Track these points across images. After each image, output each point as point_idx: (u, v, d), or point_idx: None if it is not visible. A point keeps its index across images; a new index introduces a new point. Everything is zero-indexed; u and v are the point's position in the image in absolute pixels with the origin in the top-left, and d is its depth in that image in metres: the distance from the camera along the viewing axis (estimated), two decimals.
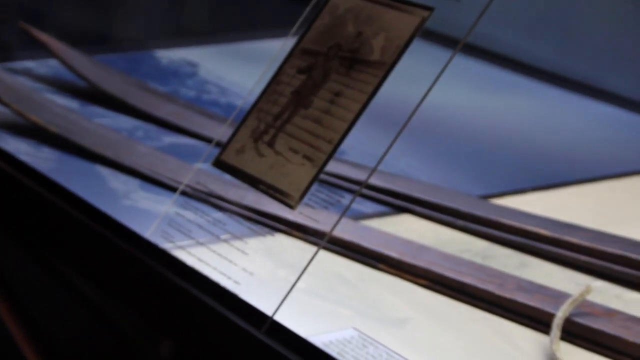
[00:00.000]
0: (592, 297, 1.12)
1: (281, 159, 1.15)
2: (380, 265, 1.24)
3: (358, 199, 1.41)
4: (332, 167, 1.43)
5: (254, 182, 1.17)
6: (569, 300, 1.10)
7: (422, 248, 1.27)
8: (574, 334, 1.08)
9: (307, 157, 1.13)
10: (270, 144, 1.17)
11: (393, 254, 1.24)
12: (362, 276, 1.22)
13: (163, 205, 1.31)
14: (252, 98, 1.23)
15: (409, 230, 1.34)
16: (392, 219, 1.39)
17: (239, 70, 1.91)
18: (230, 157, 1.21)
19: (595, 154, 1.66)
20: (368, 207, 1.41)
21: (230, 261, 1.15)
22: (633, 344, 1.05)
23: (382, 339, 1.07)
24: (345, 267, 1.24)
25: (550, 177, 1.54)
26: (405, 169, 1.54)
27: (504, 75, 1.99)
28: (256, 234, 1.27)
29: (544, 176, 1.54)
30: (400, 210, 1.41)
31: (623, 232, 1.30)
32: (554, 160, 1.62)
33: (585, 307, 1.11)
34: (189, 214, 1.26)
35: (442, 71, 1.09)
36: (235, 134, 1.22)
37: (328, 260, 1.25)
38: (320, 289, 1.18)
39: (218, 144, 1.25)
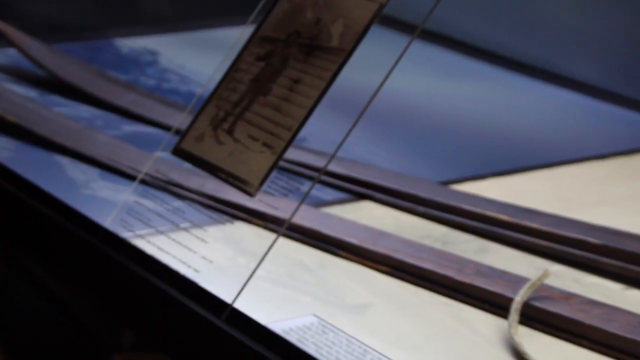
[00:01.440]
0: (551, 281, 1.13)
1: (240, 146, 1.15)
2: (341, 252, 1.24)
3: (318, 186, 1.41)
4: (292, 154, 1.43)
5: (213, 170, 1.16)
6: (528, 285, 1.10)
7: (382, 234, 1.27)
8: (533, 317, 1.09)
9: (266, 145, 1.13)
10: (230, 132, 1.17)
11: (353, 240, 1.25)
12: (322, 263, 1.22)
13: (123, 194, 1.31)
14: (212, 86, 1.22)
15: (369, 217, 1.34)
16: (352, 205, 1.39)
17: (199, 58, 1.91)
18: (189, 145, 1.21)
19: (555, 139, 1.66)
20: (328, 194, 1.41)
21: (190, 249, 1.15)
22: (590, 327, 1.06)
23: (342, 325, 1.07)
24: (305, 254, 1.24)
25: (510, 163, 1.54)
26: (365, 155, 1.55)
27: (464, 61, 1.99)
28: (216, 222, 1.27)
29: (504, 162, 1.55)
30: (360, 196, 1.41)
31: (582, 217, 1.31)
32: (514, 146, 1.63)
33: (544, 291, 1.11)
34: (148, 203, 1.26)
35: (400, 57, 1.09)
36: (194, 121, 1.22)
37: (288, 247, 1.25)
38: (280, 276, 1.18)
39: (177, 132, 1.24)
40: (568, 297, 1.11)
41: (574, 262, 1.23)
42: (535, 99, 1.85)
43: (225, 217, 1.30)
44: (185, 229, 1.20)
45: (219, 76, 1.22)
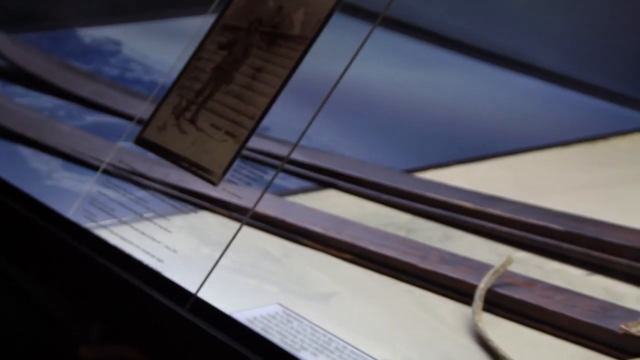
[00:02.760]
0: (514, 268, 1.13)
1: (203, 135, 1.15)
2: (305, 241, 1.24)
3: (282, 175, 1.41)
4: (256, 143, 1.43)
5: (176, 160, 1.16)
6: (491, 272, 1.11)
7: (346, 223, 1.27)
8: (496, 304, 1.09)
9: (229, 133, 1.13)
10: (192, 121, 1.17)
11: (317, 229, 1.24)
12: (287, 252, 1.22)
13: (86, 184, 1.30)
14: (175, 75, 1.22)
15: (334, 205, 1.34)
16: (317, 194, 1.39)
17: (162, 47, 1.90)
18: (152, 135, 1.20)
19: (519, 126, 1.67)
20: (292, 182, 1.41)
21: (154, 239, 1.15)
22: (553, 313, 1.06)
23: (306, 313, 1.07)
24: (269, 243, 1.24)
25: (474, 151, 1.55)
26: (329, 144, 1.55)
27: (428, 49, 1.99)
28: (179, 211, 1.27)
29: (468, 149, 1.55)
30: (324, 185, 1.41)
31: (545, 203, 1.31)
32: (478, 134, 1.63)
33: (507, 277, 1.12)
34: (111, 193, 1.25)
35: (362, 45, 1.09)
36: (157, 111, 1.21)
37: (252, 236, 1.25)
38: (244, 265, 1.18)
39: (140, 122, 1.24)
40: (531, 283, 1.12)
41: (537, 248, 1.23)
42: (499, 86, 1.85)
43: (189, 207, 1.29)
44: (148, 219, 1.19)
45: (181, 65, 1.22)
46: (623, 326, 1.01)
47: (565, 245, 1.22)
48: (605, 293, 1.13)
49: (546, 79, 1.84)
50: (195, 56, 1.21)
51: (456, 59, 1.95)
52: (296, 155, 1.42)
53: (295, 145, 1.12)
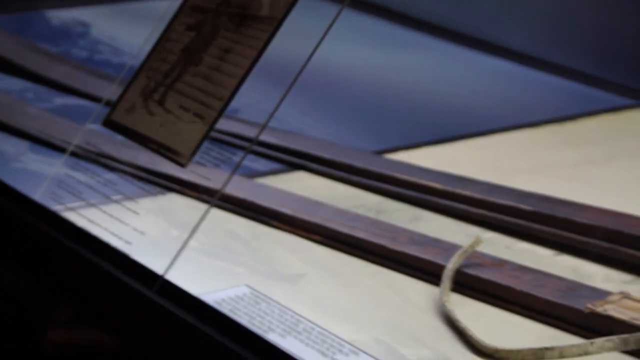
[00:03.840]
0: (483, 248, 1.14)
1: (171, 117, 1.14)
2: (274, 222, 1.24)
3: (252, 156, 1.40)
4: (225, 125, 1.42)
5: (145, 141, 1.16)
6: (460, 252, 1.11)
7: (316, 204, 1.27)
8: (465, 284, 1.09)
9: (197, 115, 1.12)
10: (161, 102, 1.16)
11: (287, 210, 1.24)
12: (256, 233, 1.22)
13: (54, 167, 1.29)
14: (143, 57, 1.21)
15: (303, 187, 1.34)
16: (286, 176, 1.39)
17: (131, 29, 1.89)
18: (120, 117, 1.20)
19: (488, 107, 1.67)
20: (262, 164, 1.40)
21: (122, 221, 1.14)
22: (521, 293, 1.06)
23: (275, 295, 1.07)
24: (239, 225, 1.24)
25: (443, 132, 1.55)
26: (299, 126, 1.54)
27: (397, 30, 1.99)
28: (148, 193, 1.26)
29: (437, 131, 1.55)
30: (294, 167, 1.41)
31: (514, 184, 1.32)
32: (448, 115, 1.63)
33: (476, 258, 1.12)
34: (79, 175, 1.25)
35: (330, 26, 1.08)
36: (125, 93, 1.21)
37: (222, 218, 1.24)
38: (213, 247, 1.18)
39: (108, 104, 1.23)
40: (499, 263, 1.12)
41: (506, 229, 1.24)
42: (468, 67, 1.85)
43: (157, 189, 1.29)
44: (116, 201, 1.19)
45: (149, 47, 1.21)
46: (590, 305, 1.02)
47: (534, 225, 1.22)
48: (573, 273, 1.14)
49: (515, 60, 1.84)
50: (164, 38, 1.21)
51: (425, 41, 1.95)
52: (265, 137, 1.41)
53: (263, 127, 1.11)
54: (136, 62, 1.22)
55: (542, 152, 1.49)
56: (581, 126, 1.60)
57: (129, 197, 1.20)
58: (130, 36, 1.86)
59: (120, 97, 1.20)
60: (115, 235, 1.12)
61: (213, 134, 1.16)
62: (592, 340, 0.96)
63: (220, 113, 1.11)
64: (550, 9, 1.87)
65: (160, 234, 1.19)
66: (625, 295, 1.04)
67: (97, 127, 1.24)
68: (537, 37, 1.87)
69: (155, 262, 1.08)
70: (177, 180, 1.29)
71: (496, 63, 1.85)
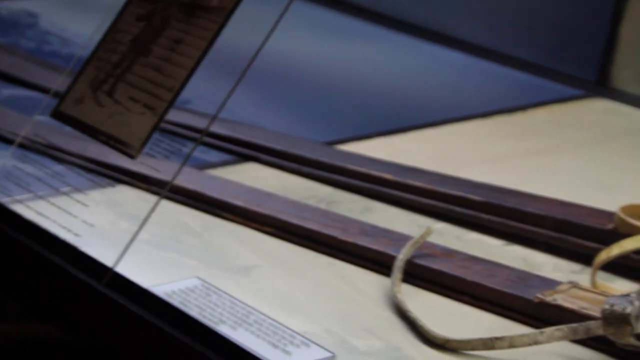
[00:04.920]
0: (434, 239, 1.14)
1: (121, 108, 1.14)
2: (225, 214, 1.23)
3: (202, 148, 1.40)
4: (176, 116, 1.42)
5: (94, 133, 1.15)
6: (410, 243, 1.11)
7: (267, 196, 1.27)
8: (415, 275, 1.10)
9: (147, 106, 1.12)
10: (110, 94, 1.15)
11: (238, 202, 1.24)
12: (207, 225, 1.22)
13: (1, 159, 1.28)
14: (92, 47, 1.20)
15: (254, 179, 1.34)
16: (237, 167, 1.38)
17: (80, 20, 1.87)
18: (68, 108, 1.19)
19: (438, 98, 1.68)
20: (213, 156, 1.40)
21: (71, 214, 1.14)
22: (472, 283, 1.07)
23: (226, 287, 1.07)
24: (189, 217, 1.23)
25: (394, 122, 1.55)
26: (250, 117, 1.54)
27: (348, 21, 1.99)
28: (97, 185, 1.26)
29: (388, 121, 1.56)
30: (245, 158, 1.40)
31: (464, 174, 1.32)
32: (399, 106, 1.64)
33: (426, 248, 1.12)
34: (27, 167, 1.24)
35: (281, 16, 1.08)
36: (74, 84, 1.20)
37: (172, 210, 1.24)
38: (164, 240, 1.17)
39: (57, 95, 1.22)
40: (450, 254, 1.13)
41: (456, 219, 1.24)
42: (418, 58, 1.86)
43: (107, 181, 1.28)
44: (65, 193, 1.18)
45: (99, 37, 1.20)
46: (539, 295, 1.03)
47: (484, 215, 1.23)
48: (523, 263, 1.15)
49: (465, 51, 1.85)
50: (113, 28, 1.20)
51: (377, 31, 1.95)
52: (216, 128, 1.41)
53: (214, 118, 1.11)
54: (85, 52, 1.21)
55: (492, 143, 1.50)
56: (530, 117, 1.61)
57: (78, 189, 1.19)
58: (79, 27, 1.84)
59: (69, 88, 1.19)
60: (64, 228, 1.12)
61: (163, 125, 1.16)
62: (542, 330, 0.96)
63: (170, 104, 1.11)
64: (500, 0, 1.88)
65: (109, 226, 1.18)
66: (574, 285, 1.04)
67: (45, 119, 1.23)
68: (487, 28, 1.88)
69: (104, 255, 1.07)
70: (127, 171, 1.28)
71: (446, 54, 1.86)
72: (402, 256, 1.10)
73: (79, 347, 1.09)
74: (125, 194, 1.27)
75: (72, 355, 1.12)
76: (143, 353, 0.99)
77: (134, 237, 1.06)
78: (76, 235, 1.10)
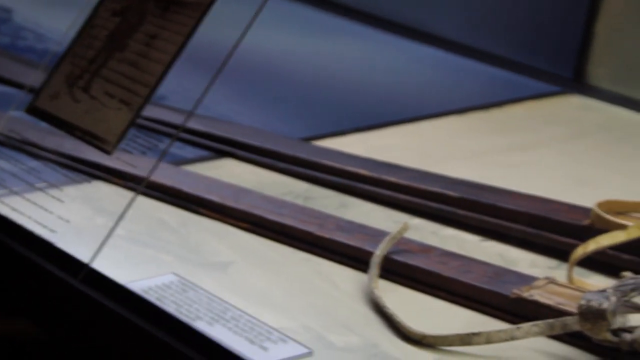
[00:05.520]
0: (410, 235, 1.14)
1: (97, 103, 1.13)
2: (202, 210, 1.23)
3: (179, 143, 1.39)
4: (152, 112, 1.41)
5: (70, 129, 1.14)
6: (387, 238, 1.11)
7: (243, 191, 1.26)
8: (392, 271, 1.10)
9: (123, 102, 1.11)
10: (86, 89, 1.15)
11: (214, 198, 1.24)
12: (184, 221, 1.21)
13: None
14: (68, 43, 1.20)
15: (231, 174, 1.34)
16: (213, 163, 1.38)
17: (55, 15, 1.86)
18: (44, 104, 1.18)
19: (415, 94, 1.68)
20: (189, 151, 1.39)
21: (46, 210, 1.13)
22: (448, 279, 1.07)
23: (203, 283, 1.07)
24: (166, 213, 1.23)
25: (371, 118, 1.55)
26: (226, 113, 1.53)
27: (326, 17, 1.99)
28: (73, 181, 1.25)
29: (364, 117, 1.56)
30: (221, 154, 1.40)
31: (440, 170, 1.32)
32: (376, 102, 1.64)
33: (403, 244, 1.12)
34: (2, 163, 1.23)
35: (258, 12, 1.08)
36: (49, 79, 1.19)
37: (149, 206, 1.23)
38: (140, 235, 1.17)
39: (32, 91, 1.21)
40: (427, 249, 1.13)
41: (432, 215, 1.24)
42: (395, 54, 1.86)
43: (83, 177, 1.27)
44: (41, 189, 1.17)
45: (74, 33, 1.20)
46: (516, 291, 1.03)
47: (460, 211, 1.23)
48: (499, 258, 1.15)
49: (441, 47, 1.85)
50: (89, 23, 1.19)
51: (353, 28, 1.95)
52: (192, 124, 1.40)
53: (190, 114, 1.11)
54: (60, 48, 1.20)
55: (468, 139, 1.50)
56: (507, 113, 1.61)
57: (54, 185, 1.19)
58: (55, 22, 1.83)
59: (44, 84, 1.19)
60: (40, 224, 1.11)
61: (139, 121, 1.15)
62: (519, 326, 0.97)
63: (147, 100, 1.10)
64: None
65: (85, 222, 1.18)
66: (551, 281, 1.05)
67: (20, 114, 1.22)
68: (464, 25, 1.89)
69: (80, 251, 1.07)
70: (103, 167, 1.28)
71: (423, 50, 1.86)
72: (379, 252, 1.10)
73: (55, 343, 1.08)
74: (101, 189, 1.26)
75: (48, 352, 1.11)
76: (120, 349, 0.99)
77: (110, 233, 1.06)
78: (52, 231, 1.10)
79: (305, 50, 1.84)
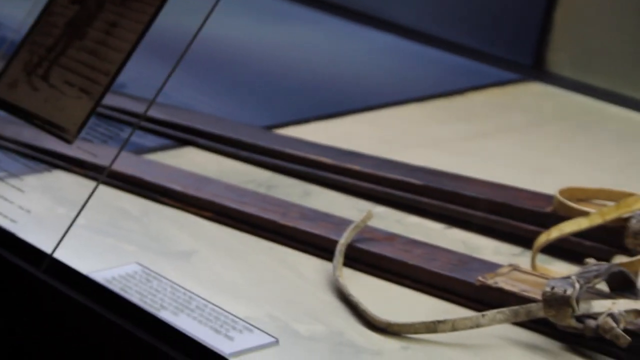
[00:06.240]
0: (374, 223, 1.14)
1: (56, 92, 1.12)
2: (164, 199, 1.22)
3: (140, 132, 1.38)
4: (111, 100, 1.40)
5: (29, 118, 1.13)
6: (351, 227, 1.11)
7: (205, 180, 1.26)
8: (357, 259, 1.09)
9: (83, 90, 1.10)
10: (45, 78, 1.14)
11: (176, 187, 1.23)
12: (146, 210, 1.20)
13: None
14: (25, 30, 1.18)
15: (192, 163, 1.33)
16: (175, 152, 1.37)
17: (12, 2, 1.84)
18: (2, 92, 1.17)
19: (377, 82, 1.68)
20: (150, 140, 1.38)
21: (6, 199, 1.12)
22: (413, 267, 1.07)
23: (166, 272, 1.06)
24: (128, 202, 1.22)
25: (333, 106, 1.55)
26: (187, 101, 1.52)
27: (285, 6, 1.98)
28: (33, 170, 1.24)
29: (327, 105, 1.55)
30: (182, 142, 1.39)
31: (403, 158, 1.32)
32: (337, 90, 1.63)
33: (367, 232, 1.12)
34: None
35: (218, 1, 1.07)
36: (7, 68, 1.17)
37: (110, 195, 1.22)
38: (102, 225, 1.16)
39: None
40: (391, 237, 1.12)
41: (396, 203, 1.24)
42: (357, 43, 1.86)
43: (43, 166, 1.26)
44: (0, 179, 1.16)
45: (32, 20, 1.18)
46: (481, 278, 1.03)
47: (424, 199, 1.23)
48: (463, 246, 1.15)
49: (403, 35, 1.85)
50: (47, 11, 1.18)
51: (314, 15, 1.94)
52: (153, 113, 1.39)
53: (152, 102, 1.10)
54: (18, 36, 1.19)
55: (430, 126, 1.50)
56: (468, 100, 1.62)
57: (13, 175, 1.18)
58: (11, 9, 1.81)
59: (2, 73, 1.17)
60: (0, 214, 1.10)
61: (100, 109, 1.14)
62: (484, 313, 0.97)
63: (107, 88, 1.09)
64: None
65: (46, 212, 1.17)
66: (515, 268, 1.05)
67: None
68: (425, 13, 1.89)
69: (42, 241, 1.05)
70: (63, 157, 1.27)
71: (384, 38, 1.86)
72: (343, 240, 1.09)
73: (19, 334, 1.07)
74: (62, 179, 1.25)
75: (11, 342, 1.10)
76: (83, 339, 0.98)
77: (72, 222, 1.04)
78: (13, 221, 1.09)
79: (266, 39, 1.83)
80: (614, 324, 0.93)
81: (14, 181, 1.15)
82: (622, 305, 0.95)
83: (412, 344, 0.97)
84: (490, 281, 1.02)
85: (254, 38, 1.83)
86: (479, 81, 1.67)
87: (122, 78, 1.10)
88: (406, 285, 1.07)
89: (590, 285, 0.96)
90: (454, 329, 0.97)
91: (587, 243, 1.11)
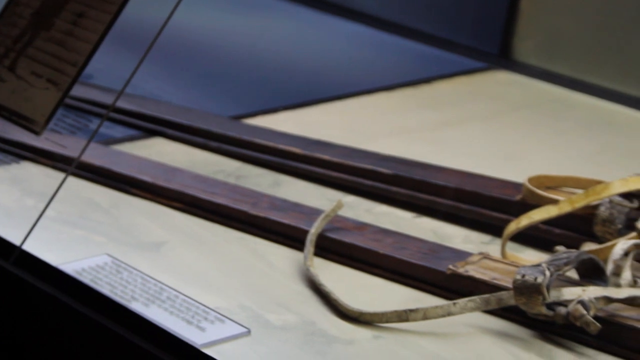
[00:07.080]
0: (344, 212, 1.14)
1: (23, 83, 1.11)
2: (133, 190, 1.22)
3: (108, 123, 1.37)
4: (80, 91, 1.39)
5: None
6: (321, 217, 1.11)
7: (175, 171, 1.25)
8: (327, 249, 1.09)
9: (51, 81, 1.09)
10: (11, 68, 1.13)
11: (146, 177, 1.22)
12: (115, 202, 1.20)
13: None
14: None
15: (161, 154, 1.32)
16: (143, 142, 1.36)
17: None
18: None
19: (345, 71, 1.68)
20: (118, 131, 1.38)
21: None
22: (384, 256, 1.07)
23: (136, 263, 1.06)
24: (97, 193, 1.21)
25: (301, 96, 1.55)
26: (156, 92, 1.52)
27: None
28: (1, 162, 1.23)
29: (295, 95, 1.55)
30: (151, 133, 1.39)
31: (371, 147, 1.32)
32: (305, 79, 1.63)
33: (338, 222, 1.12)
34: None
35: None
36: None
37: (79, 186, 1.22)
38: (71, 217, 1.15)
39: None
40: (361, 227, 1.13)
41: (366, 192, 1.24)
42: (324, 32, 1.85)
43: (11, 157, 1.25)
44: None
45: None
46: (451, 267, 1.03)
47: (393, 188, 1.23)
48: (433, 235, 1.15)
49: (369, 24, 1.85)
50: (13, 1, 1.17)
51: (280, 5, 1.94)
52: (122, 103, 1.39)
53: (120, 93, 1.09)
54: None
55: (398, 115, 1.51)
56: (435, 89, 1.62)
57: None
58: None
59: None
60: None
61: (68, 100, 1.14)
62: (455, 301, 0.97)
63: (75, 79, 1.09)
64: None
65: (14, 204, 1.16)
66: (485, 256, 1.05)
67: None
68: (390, 1, 1.89)
69: (10, 233, 1.05)
70: (31, 148, 1.26)
71: (351, 27, 1.86)
72: (313, 230, 1.09)
73: None
74: (30, 170, 1.24)
75: None
76: (54, 332, 0.98)
77: (41, 214, 1.04)
78: None
79: (233, 28, 1.83)
80: (584, 311, 0.93)
81: None
82: (592, 292, 0.95)
83: (384, 333, 0.97)
84: (460, 269, 1.03)
85: (221, 28, 1.82)
86: (446, 70, 1.68)
87: (90, 69, 1.09)
88: (377, 275, 1.07)
89: (560, 272, 0.97)
90: (425, 317, 0.97)
91: (557, 231, 1.12)
